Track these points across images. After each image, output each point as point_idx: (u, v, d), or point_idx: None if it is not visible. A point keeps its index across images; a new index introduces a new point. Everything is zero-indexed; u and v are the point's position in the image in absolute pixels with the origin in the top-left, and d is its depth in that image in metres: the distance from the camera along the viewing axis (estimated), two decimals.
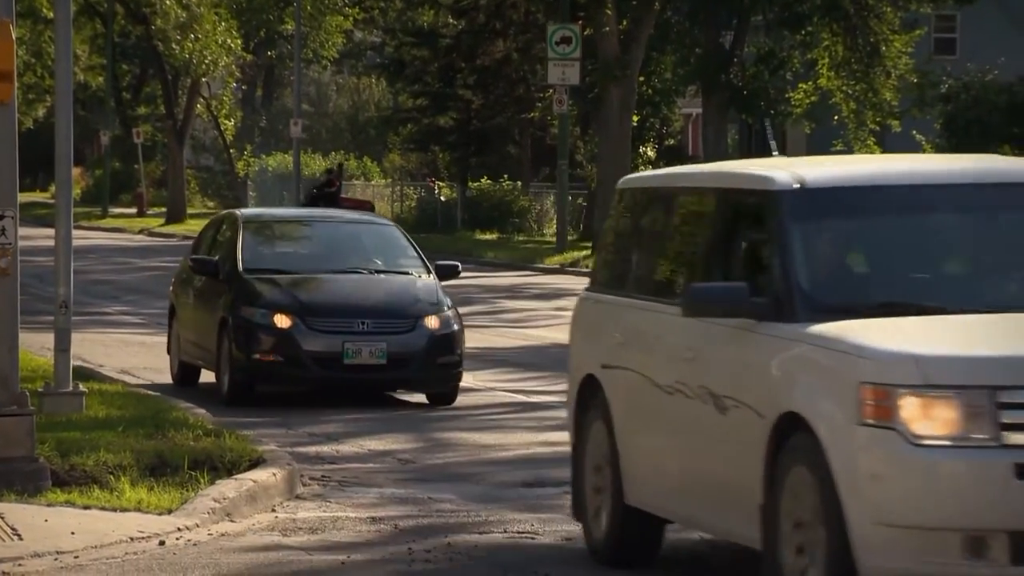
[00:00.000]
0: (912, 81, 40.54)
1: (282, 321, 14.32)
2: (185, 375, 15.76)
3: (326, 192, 47.16)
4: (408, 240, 15.58)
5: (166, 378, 16.29)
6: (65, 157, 12.76)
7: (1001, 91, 41.56)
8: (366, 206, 46.89)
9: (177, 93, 55.96)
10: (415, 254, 15.35)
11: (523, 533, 9.43)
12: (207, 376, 15.34)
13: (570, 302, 33.43)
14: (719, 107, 44.06)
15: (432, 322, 14.43)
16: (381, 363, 14.23)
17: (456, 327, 14.59)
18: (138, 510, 9.51)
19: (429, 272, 15.10)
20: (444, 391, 14.62)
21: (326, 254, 15.22)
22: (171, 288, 16.57)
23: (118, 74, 63.10)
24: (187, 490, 9.94)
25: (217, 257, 15.27)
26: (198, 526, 9.31)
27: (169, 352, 16.24)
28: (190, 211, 57.93)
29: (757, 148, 51.40)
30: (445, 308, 14.59)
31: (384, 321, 14.32)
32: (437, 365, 14.38)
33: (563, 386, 16.41)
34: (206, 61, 52.01)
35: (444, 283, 15.05)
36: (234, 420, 13.33)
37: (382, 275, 14.98)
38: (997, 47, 42.87)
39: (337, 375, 14.29)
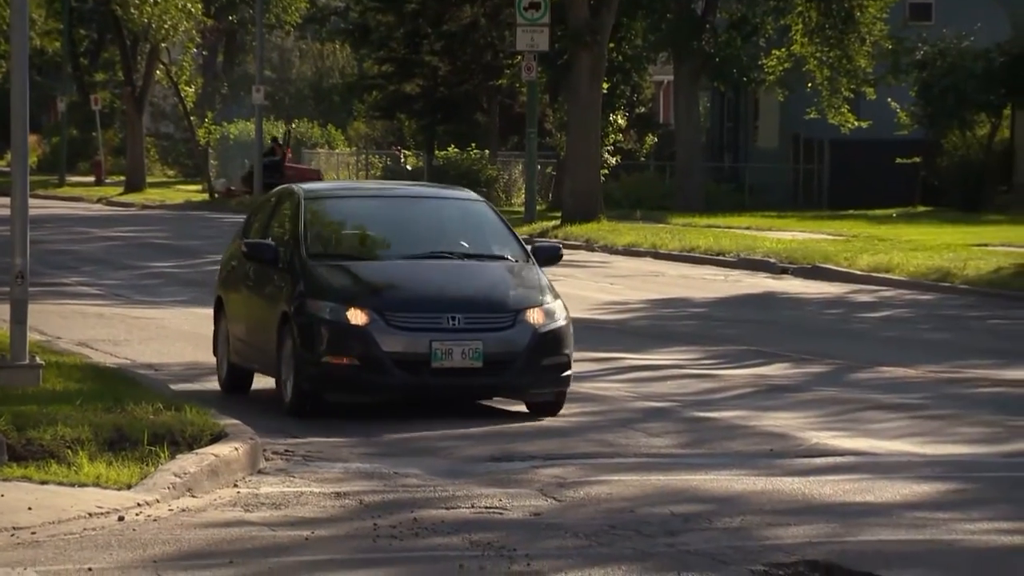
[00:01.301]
0: (887, 47, 40.38)
1: (357, 317, 12.05)
2: (235, 380, 13.36)
3: (269, 160, 47.24)
4: (500, 218, 13.25)
5: (125, 351, 15.99)
6: (21, 124, 12.54)
7: (977, 57, 41.48)
8: (311, 175, 46.73)
9: (136, 59, 55.50)
10: (510, 235, 13.03)
11: (491, 508, 9.32)
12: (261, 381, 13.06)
13: None
14: (691, 74, 43.84)
15: (536, 316, 12.22)
16: (476, 366, 12.04)
17: (563, 321, 12.36)
18: (97, 485, 9.38)
19: (528, 256, 12.84)
20: (549, 399, 12.38)
21: (405, 236, 12.85)
22: (217, 278, 14.15)
23: (75, 39, 62.56)
24: (147, 465, 9.81)
25: (275, 241, 12.87)
26: (158, 501, 9.19)
27: (215, 353, 13.70)
28: (150, 180, 57.55)
29: (729, 116, 51.31)
30: (550, 299, 12.39)
31: (479, 316, 12.12)
32: (542, 368, 12.17)
33: None
34: (166, 26, 51.54)
35: (545, 269, 12.87)
36: (195, 392, 13.04)
37: (473, 260, 12.69)
38: (973, 13, 42.74)
39: (424, 381, 12.04)
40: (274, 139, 49.40)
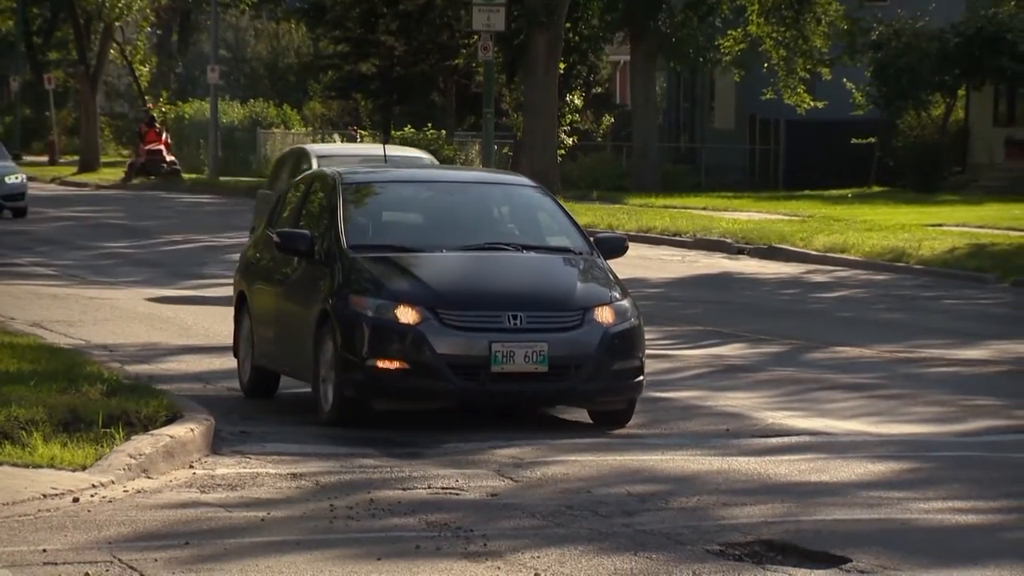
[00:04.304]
0: (842, 28, 40.52)
1: (407, 315, 10.86)
2: (260, 384, 12.31)
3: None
4: (560, 206, 12.04)
5: (79, 332, 15.88)
6: None
7: (932, 38, 41.68)
8: (154, 157, 47.31)
9: (90, 38, 55.09)
10: (571, 224, 11.85)
11: (447, 489, 9.30)
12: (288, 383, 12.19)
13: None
14: (647, 54, 43.88)
15: (605, 315, 11.05)
16: (541, 370, 10.84)
17: (635, 320, 11.22)
18: (51, 466, 9.32)
19: (592, 248, 11.69)
20: (620, 407, 11.30)
21: (456, 225, 11.70)
22: (238, 270, 12.93)
23: (28, 18, 62.06)
24: (102, 446, 9.74)
25: (310, 231, 11.68)
26: (113, 483, 9.13)
27: (236, 354, 12.66)
28: (104, 159, 57.24)
29: (686, 96, 51.38)
30: (619, 295, 11.25)
31: (543, 314, 10.93)
32: (612, 373, 11.02)
33: None
34: (119, 4, 51.23)
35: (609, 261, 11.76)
36: (150, 373, 12.96)
37: (532, 252, 11.51)
38: None
39: (482, 387, 10.83)
40: (151, 119, 49.41)
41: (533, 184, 12.38)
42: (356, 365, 10.87)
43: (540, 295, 11.07)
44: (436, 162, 18.60)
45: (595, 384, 11.02)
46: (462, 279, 11.13)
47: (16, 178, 33.06)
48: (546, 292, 11.11)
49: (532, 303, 10.98)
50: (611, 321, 11.08)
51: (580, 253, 11.63)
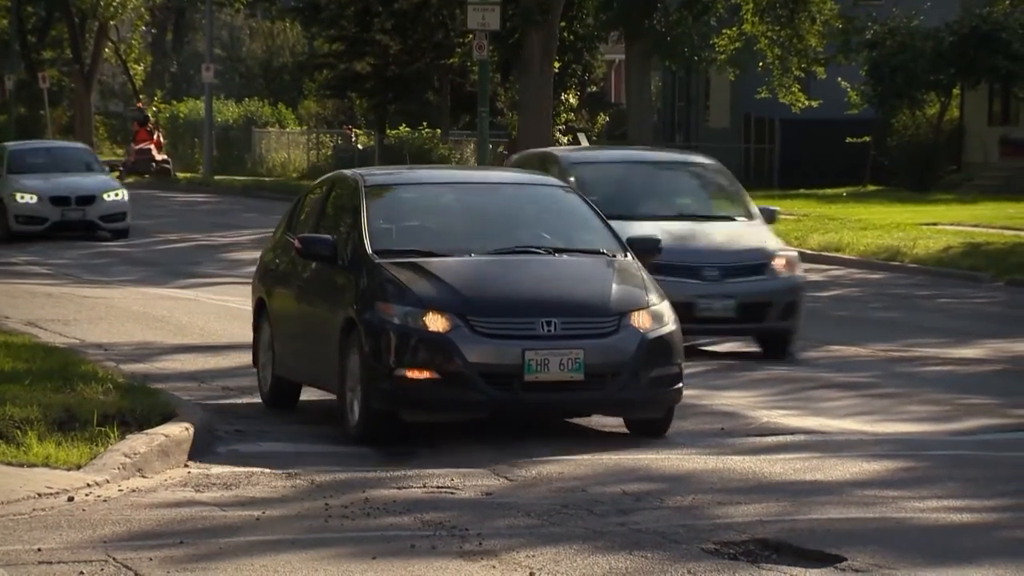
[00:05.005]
0: (837, 26, 40.56)
1: (437, 322, 10.41)
2: (280, 395, 11.88)
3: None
4: (590, 206, 11.57)
5: (74, 331, 15.88)
6: None
7: (927, 37, 41.71)
8: (141, 156, 47.33)
9: (84, 36, 55.11)
10: (602, 224, 11.38)
11: (442, 488, 9.30)
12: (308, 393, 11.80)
13: None
14: (642, 53, 43.86)
15: (642, 320, 10.62)
16: (576, 379, 10.42)
17: (673, 326, 10.77)
18: (46, 465, 9.33)
19: (624, 249, 11.24)
20: (657, 415, 10.89)
21: (484, 228, 11.24)
22: (255, 276, 12.53)
23: (23, 16, 61.95)
24: (97, 445, 9.74)
25: (333, 236, 11.25)
26: (108, 482, 9.14)
27: (256, 364, 12.20)
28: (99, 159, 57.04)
29: (681, 95, 51.42)
30: (656, 299, 10.79)
31: (578, 320, 10.49)
32: (650, 380, 10.60)
33: None
34: (114, 3, 51.22)
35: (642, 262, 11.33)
36: (145, 372, 12.97)
37: (563, 255, 11.06)
38: None
39: (515, 397, 10.42)
40: (143, 117, 49.48)
41: (561, 184, 11.98)
42: (384, 375, 10.42)
43: (574, 300, 10.60)
44: (725, 169, 16.27)
45: (633, 392, 10.59)
46: (492, 284, 10.65)
47: (116, 195, 28.38)
48: (580, 297, 10.64)
49: (566, 309, 10.53)
50: (648, 326, 10.64)
51: (613, 255, 11.17)
